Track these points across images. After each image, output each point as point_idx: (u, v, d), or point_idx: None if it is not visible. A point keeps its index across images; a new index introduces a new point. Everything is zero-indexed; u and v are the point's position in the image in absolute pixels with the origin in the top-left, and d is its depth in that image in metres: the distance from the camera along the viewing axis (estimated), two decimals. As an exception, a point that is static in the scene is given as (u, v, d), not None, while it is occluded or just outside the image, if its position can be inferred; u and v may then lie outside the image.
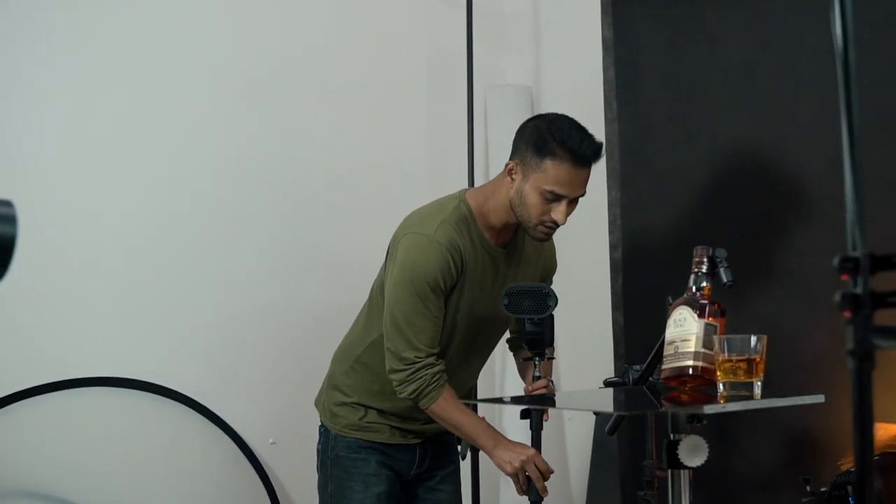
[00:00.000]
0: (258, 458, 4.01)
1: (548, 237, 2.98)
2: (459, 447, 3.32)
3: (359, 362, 3.18)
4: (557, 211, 2.87)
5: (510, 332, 3.35)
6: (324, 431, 3.25)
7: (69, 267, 3.77)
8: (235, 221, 4.07)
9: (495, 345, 3.26)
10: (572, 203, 2.89)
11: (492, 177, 4.30)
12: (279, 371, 4.09)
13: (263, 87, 4.17)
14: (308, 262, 4.20)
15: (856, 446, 1.31)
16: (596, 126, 2.97)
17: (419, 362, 2.93)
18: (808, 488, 2.75)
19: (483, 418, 3.04)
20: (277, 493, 4.02)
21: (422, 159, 4.51)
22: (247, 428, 4.01)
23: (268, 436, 4.06)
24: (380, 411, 3.15)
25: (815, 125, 3.29)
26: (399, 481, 3.21)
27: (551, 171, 2.83)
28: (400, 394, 2.97)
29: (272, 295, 4.11)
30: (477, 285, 3.01)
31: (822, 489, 2.72)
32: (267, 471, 4.02)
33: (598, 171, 3.75)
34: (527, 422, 2.96)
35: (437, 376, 2.94)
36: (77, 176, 3.81)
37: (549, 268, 3.25)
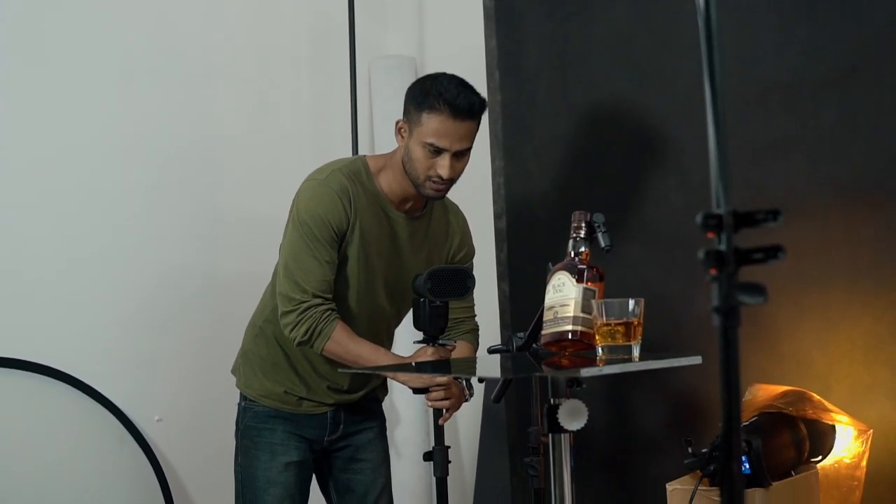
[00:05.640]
0: (144, 435, 3.94)
1: (439, 194, 2.99)
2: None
3: (264, 329, 3.18)
4: (441, 165, 2.90)
5: None
6: (241, 399, 3.24)
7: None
8: (113, 194, 3.97)
9: (400, 313, 3.22)
10: (457, 157, 2.93)
11: (377, 148, 4.31)
12: (164, 345, 4.01)
13: (141, 63, 4.07)
14: (190, 233, 4.12)
15: (722, 403, 1.32)
16: (479, 96, 2.99)
17: (306, 302, 2.93)
18: (689, 449, 2.79)
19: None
20: (165, 471, 3.94)
21: (306, 132, 4.46)
22: (131, 405, 3.93)
23: (153, 413, 3.99)
24: (285, 385, 3.15)
25: (693, 92, 3.32)
26: (313, 452, 3.20)
27: (429, 123, 2.88)
28: (294, 340, 2.96)
29: (155, 268, 4.03)
30: (373, 244, 3.01)
31: (703, 450, 2.77)
32: (153, 449, 3.95)
33: (482, 141, 3.75)
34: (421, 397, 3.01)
35: (327, 313, 2.94)
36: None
37: (461, 250, 3.24)
